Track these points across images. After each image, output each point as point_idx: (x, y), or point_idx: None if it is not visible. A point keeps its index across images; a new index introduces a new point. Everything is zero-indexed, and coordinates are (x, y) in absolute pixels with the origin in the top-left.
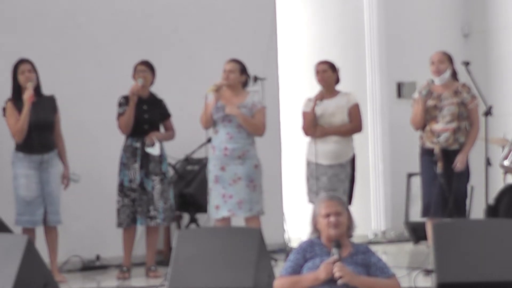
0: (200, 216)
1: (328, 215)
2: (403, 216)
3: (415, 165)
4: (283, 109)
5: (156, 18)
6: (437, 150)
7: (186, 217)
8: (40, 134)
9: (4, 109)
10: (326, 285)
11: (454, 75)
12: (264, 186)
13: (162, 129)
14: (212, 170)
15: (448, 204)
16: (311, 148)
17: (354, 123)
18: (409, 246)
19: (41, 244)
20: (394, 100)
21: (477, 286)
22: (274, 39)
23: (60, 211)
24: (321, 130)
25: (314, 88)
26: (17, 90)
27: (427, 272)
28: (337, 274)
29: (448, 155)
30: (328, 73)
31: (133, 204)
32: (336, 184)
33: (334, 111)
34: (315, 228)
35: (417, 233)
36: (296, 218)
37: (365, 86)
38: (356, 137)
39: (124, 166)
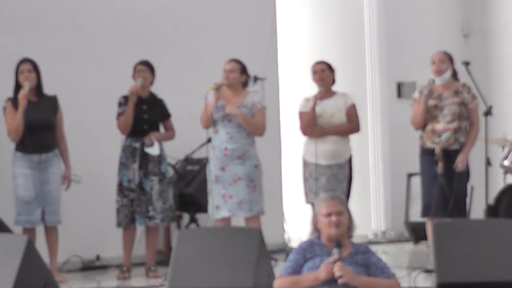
0: (200, 216)
1: (329, 215)
2: (403, 216)
3: (415, 165)
4: (283, 109)
5: (156, 18)
6: (438, 150)
7: (186, 217)
8: (39, 134)
9: (4, 108)
10: (326, 285)
11: (454, 75)
12: (264, 186)
13: (162, 129)
14: (212, 170)
15: (448, 204)
16: (308, 148)
17: (352, 123)
18: (409, 246)
19: (41, 244)
20: (394, 100)
21: (477, 286)
22: (274, 39)
23: (60, 211)
24: (320, 130)
25: (314, 88)
26: (18, 90)
27: (427, 272)
28: (337, 274)
29: (449, 155)
30: (326, 73)
31: (131, 204)
32: (334, 184)
33: (333, 111)
34: (315, 228)
35: (417, 233)
36: (296, 218)
37: (365, 86)
38: (356, 137)
39: (123, 166)
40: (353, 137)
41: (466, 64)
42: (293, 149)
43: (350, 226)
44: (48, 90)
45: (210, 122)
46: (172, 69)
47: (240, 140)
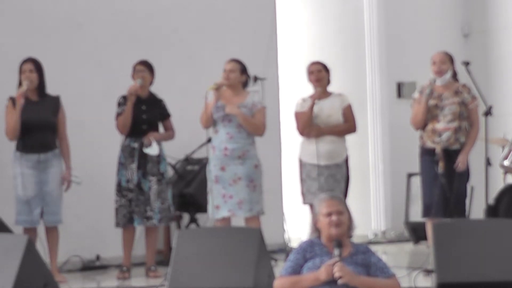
0: (200, 216)
1: (329, 214)
2: (403, 216)
3: (415, 165)
4: (283, 109)
5: (156, 18)
6: (438, 149)
7: (186, 217)
8: (39, 133)
9: (6, 107)
10: (326, 285)
11: (454, 75)
12: (264, 186)
13: (162, 129)
14: (212, 170)
15: (449, 204)
16: (305, 149)
17: (349, 123)
18: (409, 246)
19: (40, 245)
20: (394, 100)
21: (477, 286)
22: (274, 39)
23: (61, 211)
24: (317, 130)
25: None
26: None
27: (427, 272)
28: (337, 274)
29: (449, 154)
30: (322, 73)
31: (130, 204)
32: (332, 184)
33: (330, 112)
34: (315, 228)
35: (417, 233)
36: (296, 218)
37: (365, 86)
38: (356, 137)
39: (122, 166)
40: (353, 137)
41: (466, 64)
42: (293, 149)
43: (350, 226)
44: (47, 89)
45: (210, 122)
46: (172, 69)
47: (240, 140)
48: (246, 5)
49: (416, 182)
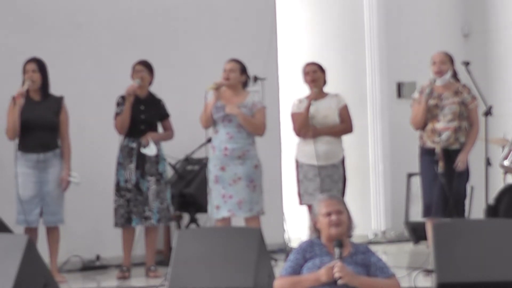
0: (200, 216)
1: (329, 214)
2: (403, 216)
3: (415, 165)
4: (283, 109)
5: (156, 18)
6: (438, 149)
7: (186, 217)
8: (39, 133)
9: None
10: (326, 285)
11: (454, 76)
12: (264, 186)
13: (161, 129)
14: (212, 170)
15: (449, 204)
16: (302, 150)
17: (345, 124)
18: (409, 246)
19: (43, 244)
20: (394, 100)
21: (477, 286)
22: (274, 39)
23: (62, 211)
24: (313, 131)
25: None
26: None
27: (427, 272)
28: (337, 274)
29: (449, 154)
30: (318, 74)
31: (128, 204)
32: (330, 185)
33: (326, 112)
34: (315, 228)
35: (417, 233)
36: (296, 218)
37: (365, 86)
38: (356, 137)
39: (120, 166)
40: (352, 137)
41: (466, 64)
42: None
43: (349, 225)
44: None
45: (209, 122)
46: (172, 69)
47: (240, 140)
48: (246, 5)
49: (416, 182)
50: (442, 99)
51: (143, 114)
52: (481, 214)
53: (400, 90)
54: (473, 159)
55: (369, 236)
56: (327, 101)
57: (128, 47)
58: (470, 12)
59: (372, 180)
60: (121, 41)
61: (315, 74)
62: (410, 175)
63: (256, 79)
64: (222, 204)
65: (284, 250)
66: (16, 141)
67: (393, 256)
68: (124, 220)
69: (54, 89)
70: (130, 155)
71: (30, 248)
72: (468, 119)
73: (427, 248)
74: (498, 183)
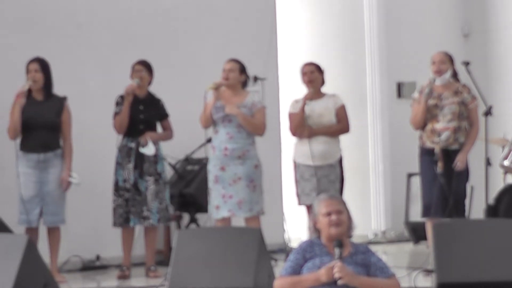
0: (200, 216)
1: (329, 214)
2: (403, 216)
3: (415, 165)
4: (283, 109)
5: (156, 18)
6: (437, 149)
7: (186, 217)
8: (40, 133)
9: None
10: (326, 285)
11: (454, 75)
12: (264, 186)
13: (160, 129)
14: (212, 170)
15: (448, 204)
16: (299, 150)
17: (342, 123)
18: (409, 246)
19: (44, 244)
20: (394, 100)
21: (477, 286)
22: (274, 39)
23: (62, 212)
24: (309, 131)
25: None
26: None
27: (427, 272)
28: (337, 274)
29: (448, 154)
30: (315, 74)
31: (126, 204)
32: (326, 185)
33: (322, 112)
34: (315, 228)
35: (417, 233)
36: (296, 218)
37: (365, 86)
38: (356, 137)
39: (119, 165)
40: (352, 137)
41: (466, 64)
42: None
43: (349, 225)
44: None
45: (209, 122)
46: (172, 69)
47: (240, 140)
48: (246, 5)
49: (416, 182)
50: (442, 99)
51: (142, 114)
52: (481, 214)
53: (400, 90)
54: (473, 159)
55: (369, 236)
56: (324, 101)
57: (128, 47)
58: (470, 12)
59: (372, 180)
60: (121, 41)
61: (312, 75)
62: (410, 175)
63: (256, 79)
64: (222, 204)
65: (284, 250)
66: (18, 140)
67: (393, 256)
68: (123, 220)
69: (54, 89)
70: (129, 155)
71: (30, 248)
72: (468, 119)
73: (427, 248)
74: (498, 183)
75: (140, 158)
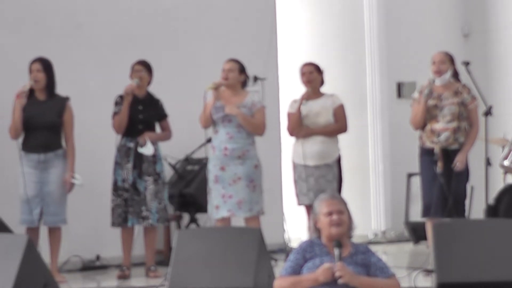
0: (200, 216)
1: (330, 213)
2: (403, 216)
3: (415, 165)
4: (283, 109)
5: (156, 18)
6: (437, 149)
7: (186, 217)
8: (40, 133)
9: None
10: (326, 285)
11: (455, 75)
12: (264, 186)
13: (159, 129)
14: (212, 170)
15: (448, 204)
16: (296, 150)
17: (339, 123)
18: (409, 246)
19: (44, 244)
20: (394, 100)
21: (477, 286)
22: (274, 39)
23: (63, 212)
24: (306, 130)
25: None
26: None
27: (427, 272)
28: (337, 274)
29: (448, 154)
30: (314, 75)
31: (125, 204)
32: (324, 185)
33: (319, 111)
34: (315, 228)
35: (417, 233)
36: (296, 218)
37: (365, 86)
38: (356, 137)
39: (118, 165)
40: (353, 137)
41: (466, 64)
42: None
43: (350, 226)
44: None
45: (209, 122)
46: (172, 69)
47: (240, 140)
48: (246, 5)
49: (416, 182)
50: (442, 100)
51: (141, 114)
52: (481, 214)
53: (400, 90)
54: (473, 159)
55: (369, 236)
56: (322, 100)
57: (128, 47)
58: (470, 12)
59: (372, 180)
60: (121, 41)
61: (311, 75)
62: (410, 175)
63: (256, 79)
64: (222, 204)
65: (284, 250)
66: (20, 140)
67: (393, 256)
68: (121, 219)
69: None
70: (128, 155)
71: (30, 248)
72: (468, 119)
73: (427, 248)
74: (498, 183)
75: (139, 158)
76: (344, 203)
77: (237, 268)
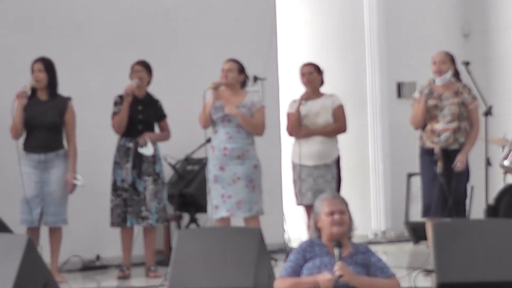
0: (200, 216)
1: (332, 213)
2: (403, 216)
3: (415, 165)
4: (283, 109)
5: (156, 18)
6: (437, 149)
7: (186, 217)
8: (41, 133)
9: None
10: None
11: (456, 75)
12: (264, 186)
13: (158, 129)
14: (212, 170)
15: (448, 204)
16: (295, 150)
17: (338, 123)
18: (409, 246)
19: (45, 244)
20: (394, 100)
21: (477, 286)
22: (274, 39)
23: (64, 212)
24: (305, 130)
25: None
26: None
27: (427, 272)
28: (337, 273)
29: (448, 155)
30: (313, 75)
31: (124, 204)
32: (322, 185)
33: (318, 111)
34: (316, 227)
35: (417, 233)
36: (296, 218)
37: (365, 86)
38: (356, 137)
39: (117, 165)
40: (353, 137)
41: (466, 64)
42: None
43: (350, 226)
44: None
45: (208, 122)
46: (172, 69)
47: (240, 140)
48: (246, 5)
49: (416, 182)
50: (442, 100)
51: (141, 114)
52: (481, 214)
53: (400, 90)
54: (473, 159)
55: (369, 236)
56: (322, 101)
57: (128, 47)
58: (470, 12)
59: (372, 180)
60: (121, 41)
61: (310, 76)
62: (410, 175)
63: (256, 79)
64: (221, 204)
65: (284, 250)
66: (21, 140)
67: (393, 256)
68: (121, 219)
69: None
70: (127, 155)
71: (30, 248)
72: (468, 119)
73: (427, 248)
74: (498, 183)
75: (139, 158)
76: (345, 203)
77: (237, 268)
